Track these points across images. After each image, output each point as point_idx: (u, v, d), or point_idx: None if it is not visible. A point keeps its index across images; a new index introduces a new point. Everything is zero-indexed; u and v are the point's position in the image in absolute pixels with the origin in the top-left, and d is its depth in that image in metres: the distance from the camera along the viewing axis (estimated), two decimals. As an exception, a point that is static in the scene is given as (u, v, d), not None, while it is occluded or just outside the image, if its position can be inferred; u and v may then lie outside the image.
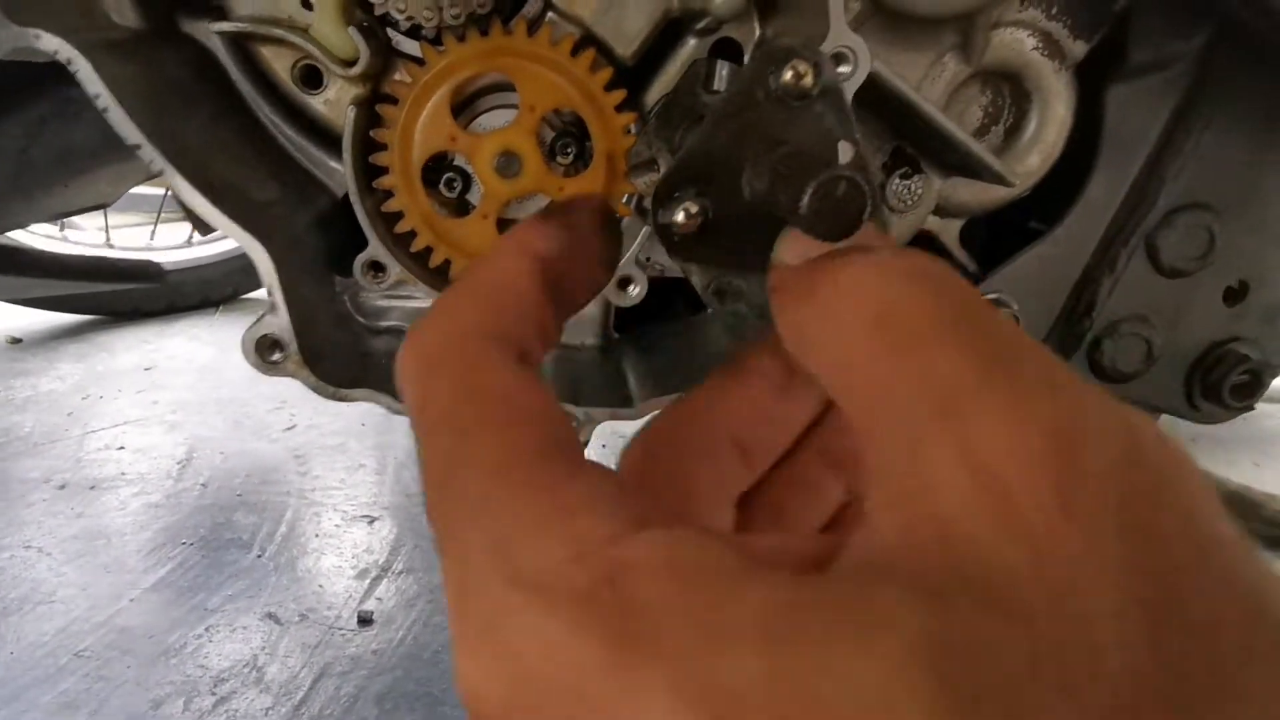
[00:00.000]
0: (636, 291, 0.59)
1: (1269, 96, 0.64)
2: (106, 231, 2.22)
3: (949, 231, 0.67)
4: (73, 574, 1.29)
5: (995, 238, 0.70)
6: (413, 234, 0.53)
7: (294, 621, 1.19)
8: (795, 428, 0.33)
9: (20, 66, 0.46)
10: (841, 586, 0.19)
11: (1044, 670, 0.17)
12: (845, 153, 0.33)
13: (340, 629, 1.18)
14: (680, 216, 0.33)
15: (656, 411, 0.35)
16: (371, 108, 0.53)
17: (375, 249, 0.55)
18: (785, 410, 0.32)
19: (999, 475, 0.19)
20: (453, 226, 0.53)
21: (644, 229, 0.57)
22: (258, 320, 0.48)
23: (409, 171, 0.52)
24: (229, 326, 2.28)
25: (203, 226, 0.47)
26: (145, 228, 2.36)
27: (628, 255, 0.58)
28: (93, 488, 1.54)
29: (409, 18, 0.51)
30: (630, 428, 0.41)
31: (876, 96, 0.54)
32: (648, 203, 0.36)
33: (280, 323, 0.48)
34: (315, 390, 0.50)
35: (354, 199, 0.54)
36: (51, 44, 0.44)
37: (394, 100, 0.51)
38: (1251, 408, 0.72)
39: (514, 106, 0.53)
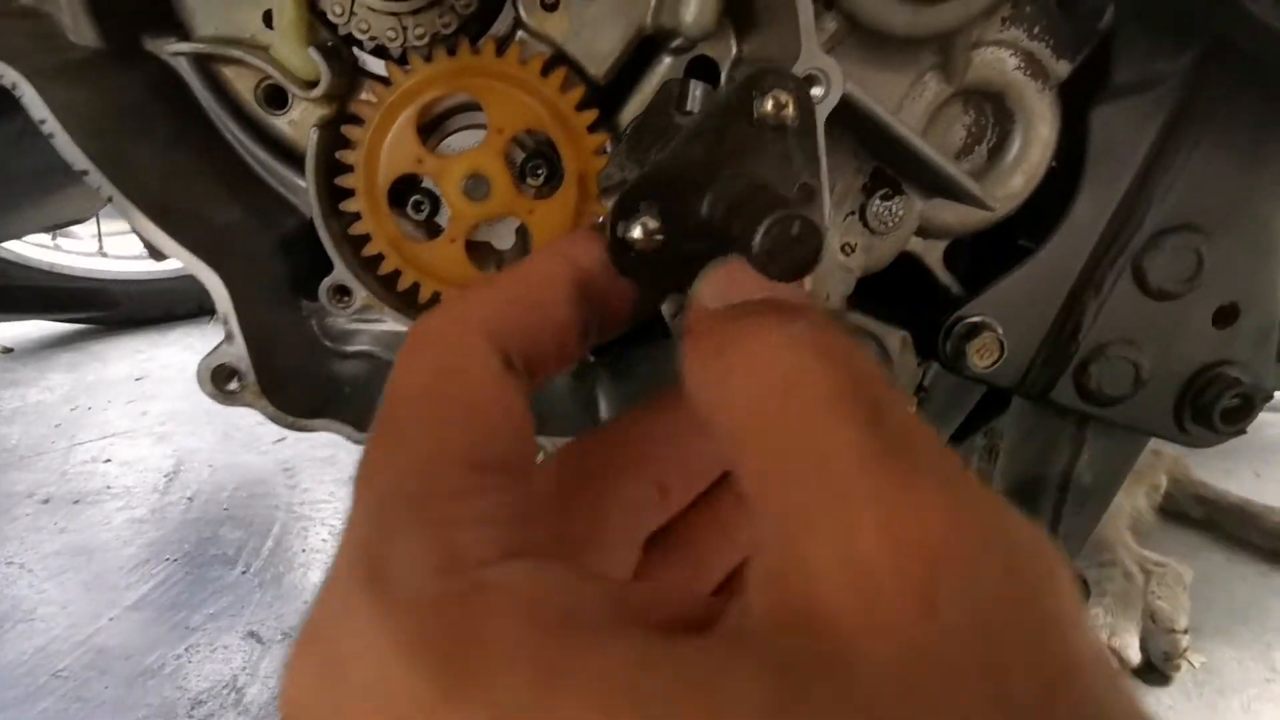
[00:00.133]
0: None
1: (1258, 116, 0.63)
2: (99, 240, 2.21)
3: (932, 253, 0.65)
4: (54, 591, 1.28)
5: (980, 256, 0.69)
6: (380, 257, 0.52)
7: (276, 640, 1.18)
8: (716, 469, 0.32)
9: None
10: (701, 655, 0.19)
11: None
12: (806, 192, 0.32)
13: (323, 648, 1.17)
14: (638, 232, 0.32)
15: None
16: (337, 128, 0.52)
17: (340, 273, 0.53)
18: (707, 450, 0.31)
19: (873, 569, 0.19)
20: (421, 250, 0.52)
21: None
22: (214, 350, 0.47)
23: (375, 194, 0.51)
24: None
25: (156, 253, 0.45)
26: (139, 236, 2.36)
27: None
28: (77, 502, 1.52)
29: (372, 38, 0.50)
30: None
31: (853, 117, 0.53)
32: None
33: (237, 352, 0.47)
34: (274, 420, 0.49)
35: (318, 222, 0.53)
36: (-6, 69, 0.43)
37: (359, 121, 0.50)
38: (1243, 431, 0.70)
39: (485, 126, 0.51)
